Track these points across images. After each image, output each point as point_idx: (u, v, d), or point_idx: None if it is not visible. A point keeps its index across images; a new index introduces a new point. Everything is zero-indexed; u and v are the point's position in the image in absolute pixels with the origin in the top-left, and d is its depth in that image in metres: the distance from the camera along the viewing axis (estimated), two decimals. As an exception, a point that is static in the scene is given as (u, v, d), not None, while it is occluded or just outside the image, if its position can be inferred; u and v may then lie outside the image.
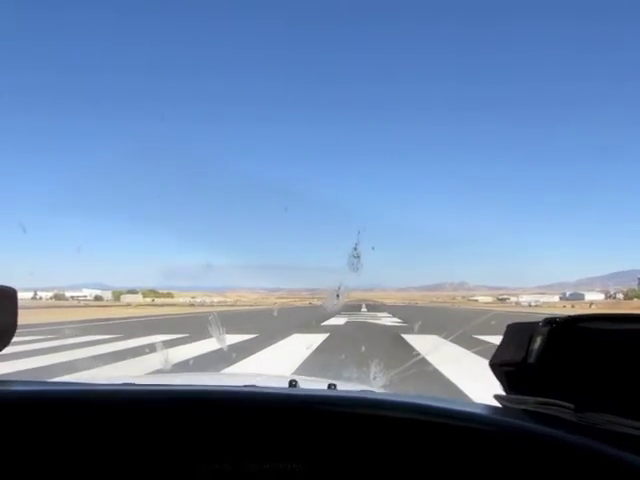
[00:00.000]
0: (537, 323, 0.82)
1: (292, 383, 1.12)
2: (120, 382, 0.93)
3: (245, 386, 0.91)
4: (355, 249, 1.92)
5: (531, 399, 0.79)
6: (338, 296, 2.21)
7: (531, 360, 0.79)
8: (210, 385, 0.90)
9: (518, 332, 0.86)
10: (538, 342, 0.79)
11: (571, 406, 0.74)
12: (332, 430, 0.77)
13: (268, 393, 0.85)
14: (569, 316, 0.80)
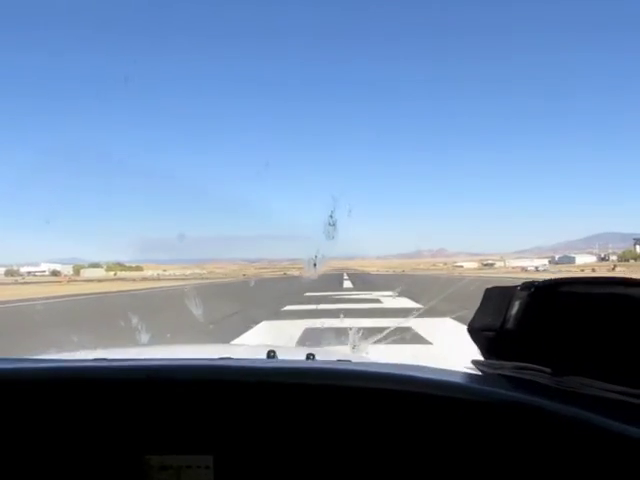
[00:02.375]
0: (515, 287, 0.86)
1: (270, 354, 1.16)
2: (91, 357, 0.96)
3: (220, 358, 0.94)
4: (331, 217, 1.94)
5: (509, 364, 0.84)
6: (315, 265, 2.26)
7: (509, 325, 0.83)
8: (184, 358, 0.94)
9: (496, 296, 0.90)
10: (516, 306, 0.83)
11: (548, 370, 0.79)
12: (310, 401, 0.81)
13: (244, 367, 0.88)
14: (548, 280, 0.84)
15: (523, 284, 0.85)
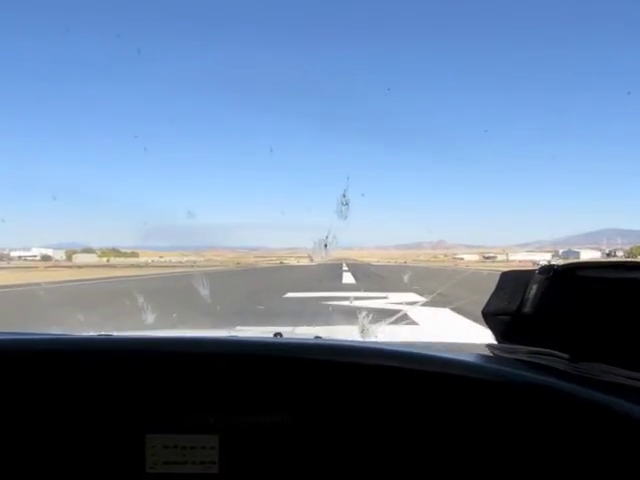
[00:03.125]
0: (533, 271, 0.86)
1: (277, 335, 1.17)
2: (96, 334, 0.96)
3: (229, 336, 0.95)
4: (344, 196, 1.95)
5: (524, 348, 0.84)
6: (326, 246, 2.27)
7: (526, 309, 0.83)
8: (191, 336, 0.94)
9: (513, 280, 0.90)
10: (534, 290, 0.84)
11: (565, 356, 0.79)
12: (319, 380, 0.81)
13: (252, 341, 0.89)
14: (567, 263, 0.85)
15: (541, 267, 0.85)
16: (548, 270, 0.84)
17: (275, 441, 0.82)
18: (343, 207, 1.95)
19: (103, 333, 0.96)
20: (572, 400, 0.72)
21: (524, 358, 0.84)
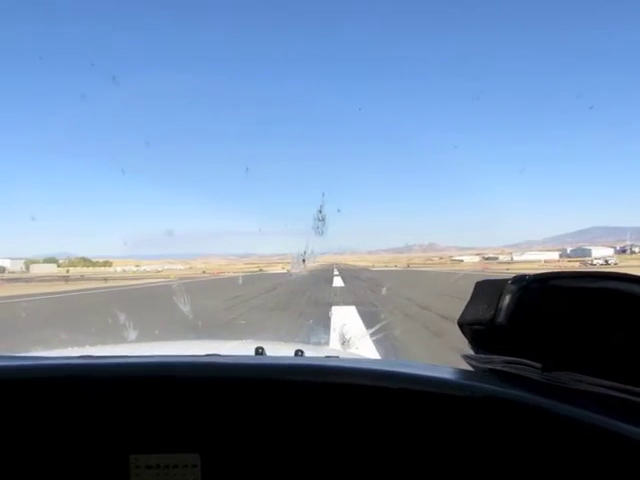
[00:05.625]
0: (506, 281, 0.93)
1: (258, 350, 1.24)
2: (76, 355, 1.03)
3: (207, 355, 1.02)
4: (320, 212, 2.02)
5: (499, 358, 0.92)
6: (304, 261, 2.38)
7: (500, 319, 0.90)
8: (170, 355, 1.01)
9: (487, 290, 0.97)
10: (507, 300, 0.90)
11: (538, 365, 0.87)
12: (298, 399, 0.89)
13: (231, 364, 0.96)
14: (539, 273, 0.92)
15: (514, 277, 0.91)
16: (521, 280, 0.90)
17: (256, 458, 0.89)
18: (319, 223, 2.04)
19: (83, 354, 1.02)
20: (545, 415, 0.79)
21: (498, 368, 0.91)
